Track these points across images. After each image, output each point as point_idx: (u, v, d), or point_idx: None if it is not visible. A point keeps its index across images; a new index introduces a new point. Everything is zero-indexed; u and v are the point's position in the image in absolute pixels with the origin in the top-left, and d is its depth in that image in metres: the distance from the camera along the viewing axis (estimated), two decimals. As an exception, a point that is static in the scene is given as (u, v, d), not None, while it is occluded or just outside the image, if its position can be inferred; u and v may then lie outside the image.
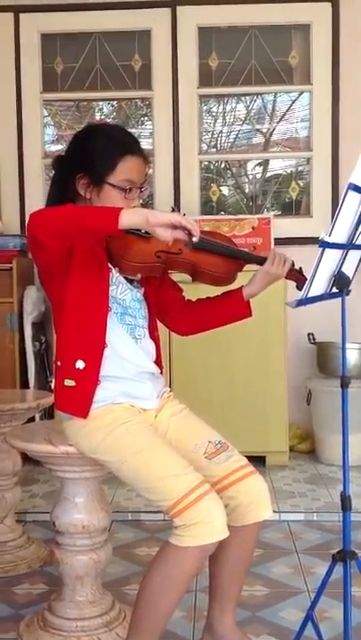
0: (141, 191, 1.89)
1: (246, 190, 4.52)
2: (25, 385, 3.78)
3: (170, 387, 2.04)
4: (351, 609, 1.78)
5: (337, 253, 1.79)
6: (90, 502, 2.00)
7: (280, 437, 3.72)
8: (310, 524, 3.01)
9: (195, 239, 1.70)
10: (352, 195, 1.68)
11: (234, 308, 2.00)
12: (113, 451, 1.79)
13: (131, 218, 1.63)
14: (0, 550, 2.60)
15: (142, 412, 1.88)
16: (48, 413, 3.51)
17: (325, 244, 1.70)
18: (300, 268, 1.97)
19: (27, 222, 1.76)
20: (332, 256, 1.77)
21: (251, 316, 2.01)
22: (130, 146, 1.86)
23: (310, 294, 1.78)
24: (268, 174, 4.49)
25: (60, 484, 2.06)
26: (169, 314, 2.04)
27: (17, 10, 4.13)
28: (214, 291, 2.01)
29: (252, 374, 3.69)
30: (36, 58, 4.20)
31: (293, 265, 1.97)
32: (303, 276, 1.92)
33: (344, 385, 1.80)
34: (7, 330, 3.74)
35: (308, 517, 3.05)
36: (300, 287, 1.86)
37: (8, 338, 3.75)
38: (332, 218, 1.73)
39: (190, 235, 1.69)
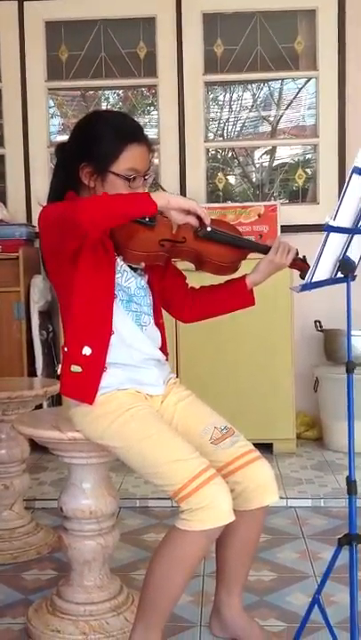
0: (145, 179, 1.88)
1: (253, 179, 4.51)
2: (33, 374, 3.80)
3: (177, 374, 2.05)
4: (357, 593, 1.78)
5: (342, 238, 1.78)
6: (97, 488, 2.01)
7: (287, 425, 3.72)
8: (317, 510, 3.01)
9: (208, 228, 1.81)
10: (357, 178, 1.67)
11: (237, 296, 2.00)
12: (119, 437, 1.80)
13: (159, 200, 1.70)
14: (9, 537, 2.62)
15: (148, 398, 1.89)
16: (56, 401, 3.53)
17: (330, 228, 1.70)
18: (304, 257, 1.96)
19: (38, 214, 1.80)
20: (336, 240, 1.77)
21: (254, 304, 2.01)
22: (133, 134, 1.85)
23: (315, 279, 1.78)
24: (275, 163, 4.48)
25: (67, 471, 2.07)
26: (173, 301, 2.04)
27: (21, -2, 4.12)
28: (218, 279, 2.01)
29: (259, 361, 3.70)
30: (40, 46, 4.19)
31: (297, 253, 1.96)
32: (307, 264, 1.91)
33: (349, 370, 1.80)
34: (14, 319, 3.75)
35: (316, 503, 3.06)
36: (303, 276, 1.85)
37: (15, 327, 3.76)
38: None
39: (202, 223, 1.76)
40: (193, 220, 1.78)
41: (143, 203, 1.69)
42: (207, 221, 1.80)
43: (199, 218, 1.79)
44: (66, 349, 1.87)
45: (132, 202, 1.71)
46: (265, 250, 1.95)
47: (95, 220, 1.66)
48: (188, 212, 1.77)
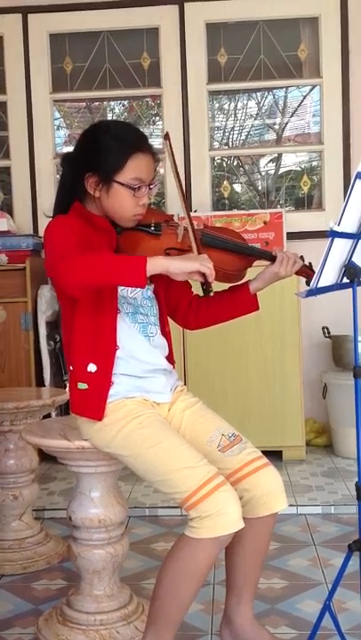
0: (150, 189, 1.89)
1: (259, 186, 4.51)
2: (40, 384, 3.80)
3: (184, 381, 2.05)
4: (368, 599, 1.78)
5: (347, 243, 1.78)
6: (106, 496, 2.01)
7: (296, 431, 3.71)
8: (328, 517, 3.00)
9: (210, 293, 1.77)
10: (360, 184, 1.68)
11: (242, 302, 2.00)
12: (127, 445, 1.80)
13: (154, 269, 1.65)
14: (18, 547, 2.62)
15: (155, 406, 1.89)
16: (64, 410, 3.53)
17: (334, 234, 1.70)
18: (310, 264, 1.97)
19: (43, 232, 1.82)
20: (341, 246, 1.77)
21: (258, 309, 2.02)
22: (138, 143, 1.86)
23: (321, 285, 1.78)
24: (281, 170, 4.49)
25: (76, 480, 2.07)
26: (178, 309, 2.04)
27: (25, 10, 4.15)
28: (221, 285, 2.01)
29: (268, 368, 3.69)
30: (45, 58, 4.22)
31: (303, 260, 1.97)
32: (313, 271, 1.92)
33: (357, 376, 1.80)
34: (22, 329, 3.76)
35: (326, 510, 3.05)
36: (309, 282, 1.86)
37: (23, 337, 3.77)
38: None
39: (207, 281, 1.71)
40: (197, 277, 1.71)
41: (135, 276, 1.64)
42: (211, 278, 1.70)
43: (204, 275, 1.71)
44: (71, 367, 1.87)
45: (124, 272, 1.66)
46: (271, 258, 1.96)
47: (81, 285, 1.68)
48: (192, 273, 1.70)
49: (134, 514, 3.01)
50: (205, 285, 1.74)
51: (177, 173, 1.88)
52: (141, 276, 1.64)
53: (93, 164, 1.84)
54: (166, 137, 1.89)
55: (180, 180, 1.89)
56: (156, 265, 1.66)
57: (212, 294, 1.79)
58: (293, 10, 4.11)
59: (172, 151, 1.86)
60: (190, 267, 1.68)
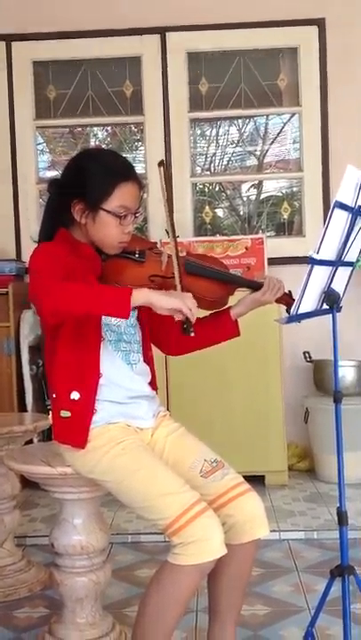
0: (136, 217, 1.91)
1: (241, 212, 4.56)
2: (23, 409, 3.79)
3: (167, 407, 2.06)
4: (350, 625, 1.78)
5: (326, 270, 1.82)
6: (88, 523, 2.01)
7: (279, 456, 3.72)
8: (311, 542, 3.00)
9: (191, 333, 1.74)
10: (338, 212, 1.71)
11: (223, 328, 2.02)
12: (110, 470, 1.80)
13: (138, 301, 1.67)
14: (0, 574, 2.59)
15: (138, 432, 1.90)
16: (46, 436, 3.51)
17: (314, 261, 1.73)
18: (290, 292, 1.99)
19: (27, 257, 1.82)
20: (321, 273, 1.80)
21: (239, 335, 2.04)
22: (124, 172, 1.88)
23: (301, 310, 1.81)
24: (263, 195, 4.54)
25: (58, 507, 2.07)
26: (160, 336, 2.06)
27: (9, 38, 4.19)
28: (203, 312, 2.03)
29: (249, 394, 3.70)
30: (28, 85, 4.25)
31: (283, 288, 2.00)
32: (293, 299, 1.94)
33: (337, 400, 1.82)
34: (4, 354, 3.75)
35: (309, 536, 3.05)
36: (289, 311, 1.89)
37: (5, 362, 3.76)
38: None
39: (187, 319, 1.72)
40: (178, 316, 1.72)
41: (119, 307, 1.65)
42: (193, 319, 1.72)
43: (185, 315, 1.72)
44: (54, 395, 1.87)
45: (109, 302, 1.67)
46: (254, 286, 1.98)
47: (64, 313, 1.69)
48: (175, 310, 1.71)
49: (117, 540, 2.99)
50: (185, 325, 1.73)
51: (168, 201, 1.89)
52: (126, 308, 1.65)
53: (80, 191, 1.86)
54: (161, 164, 1.90)
55: (171, 209, 1.89)
56: (140, 297, 1.67)
57: (192, 334, 1.76)
58: (273, 40, 4.19)
59: (165, 178, 1.87)
60: (172, 304, 1.70)
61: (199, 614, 2.29)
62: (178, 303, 1.70)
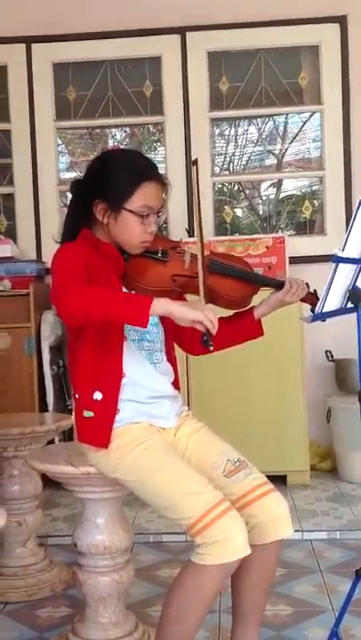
0: (158, 216, 1.91)
1: (260, 212, 4.55)
2: (44, 409, 3.80)
3: (188, 406, 2.05)
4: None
5: (351, 268, 1.80)
6: (111, 523, 2.01)
7: (301, 456, 3.70)
8: (333, 542, 2.98)
9: (210, 347, 1.72)
10: (364, 210, 1.70)
11: (246, 328, 2.02)
12: (132, 470, 1.80)
13: (157, 311, 1.66)
14: (23, 574, 2.60)
15: (161, 431, 1.89)
16: (68, 436, 3.52)
17: (339, 259, 1.71)
18: (315, 291, 1.98)
19: (48, 258, 1.81)
20: (346, 271, 1.79)
21: (263, 335, 2.03)
22: (147, 172, 1.88)
23: (326, 309, 1.79)
24: (282, 195, 4.52)
25: (81, 506, 2.07)
26: (183, 335, 2.04)
27: (29, 40, 4.21)
28: (225, 311, 2.02)
29: (271, 393, 3.69)
30: (48, 87, 4.27)
31: (308, 287, 1.98)
32: (318, 298, 1.93)
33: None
34: (25, 354, 3.77)
35: (331, 536, 3.03)
36: (314, 310, 1.87)
37: (26, 362, 3.77)
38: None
39: (208, 332, 1.69)
40: (199, 327, 1.69)
41: (138, 316, 1.64)
42: (213, 332, 1.68)
43: (206, 327, 1.69)
44: (77, 396, 1.87)
45: (128, 311, 1.65)
46: (278, 285, 1.97)
47: (82, 317, 1.68)
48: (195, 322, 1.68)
49: (139, 540, 2.99)
50: (206, 337, 1.70)
51: (199, 200, 1.87)
52: (145, 318, 1.64)
53: (103, 191, 1.86)
54: (194, 163, 1.89)
55: (200, 208, 1.88)
56: (159, 307, 1.66)
57: (211, 348, 1.73)
58: (293, 38, 4.17)
59: (197, 178, 1.86)
60: (193, 315, 1.67)
61: (222, 614, 2.28)
62: (198, 315, 1.67)
